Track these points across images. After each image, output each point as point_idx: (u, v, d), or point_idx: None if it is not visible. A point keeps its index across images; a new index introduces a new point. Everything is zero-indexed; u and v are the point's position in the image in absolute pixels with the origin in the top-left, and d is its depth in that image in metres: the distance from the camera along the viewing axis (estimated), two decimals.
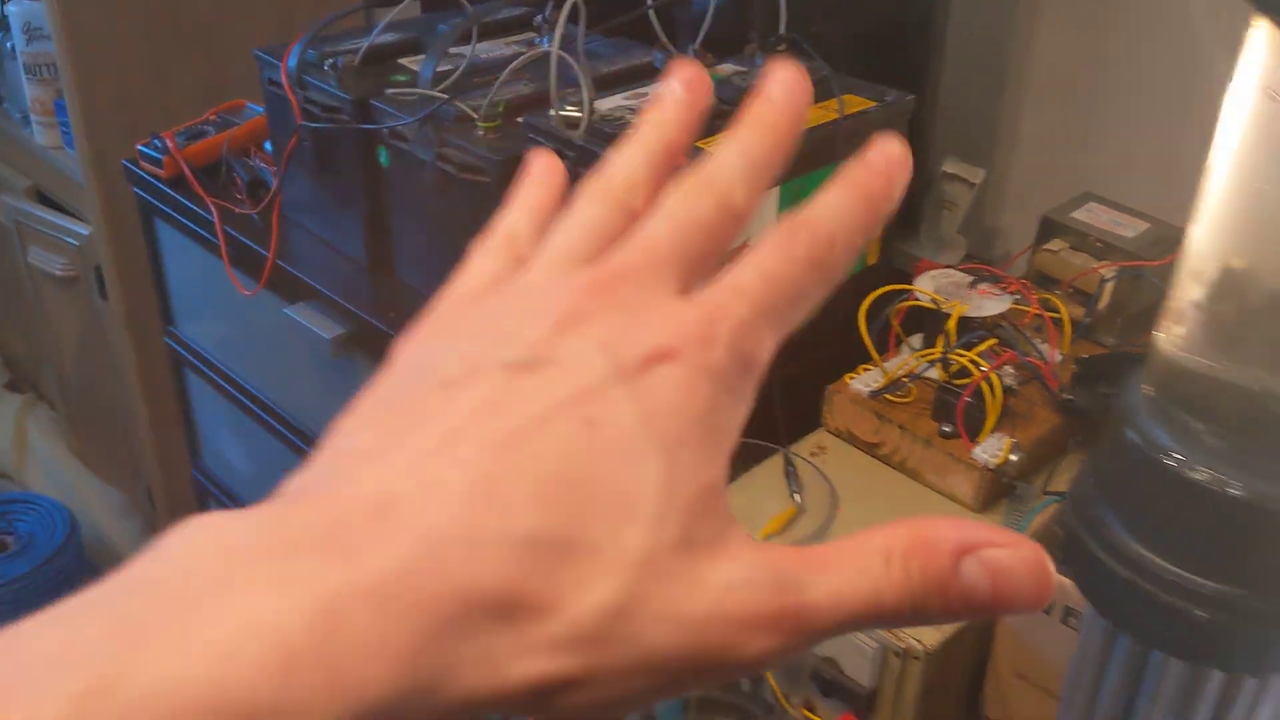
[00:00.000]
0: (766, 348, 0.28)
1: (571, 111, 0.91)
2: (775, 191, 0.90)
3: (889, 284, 0.96)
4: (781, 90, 0.32)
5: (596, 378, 0.26)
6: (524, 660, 0.24)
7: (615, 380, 0.26)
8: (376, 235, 1.13)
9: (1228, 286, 0.47)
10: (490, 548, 0.24)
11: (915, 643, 0.76)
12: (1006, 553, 0.26)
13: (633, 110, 0.91)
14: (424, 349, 0.30)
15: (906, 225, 1.12)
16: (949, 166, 1.10)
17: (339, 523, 0.24)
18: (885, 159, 0.31)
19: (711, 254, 0.30)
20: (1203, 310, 0.48)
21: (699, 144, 0.36)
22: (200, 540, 0.24)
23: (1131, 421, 0.51)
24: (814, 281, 0.29)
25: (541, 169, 0.36)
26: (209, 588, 0.23)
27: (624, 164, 0.33)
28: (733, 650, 0.25)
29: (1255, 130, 0.44)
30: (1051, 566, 0.27)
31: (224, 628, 0.22)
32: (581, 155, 0.89)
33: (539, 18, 1.16)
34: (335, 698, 0.22)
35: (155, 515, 1.95)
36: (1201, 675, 0.53)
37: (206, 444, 1.58)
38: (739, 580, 0.26)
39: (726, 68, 1.02)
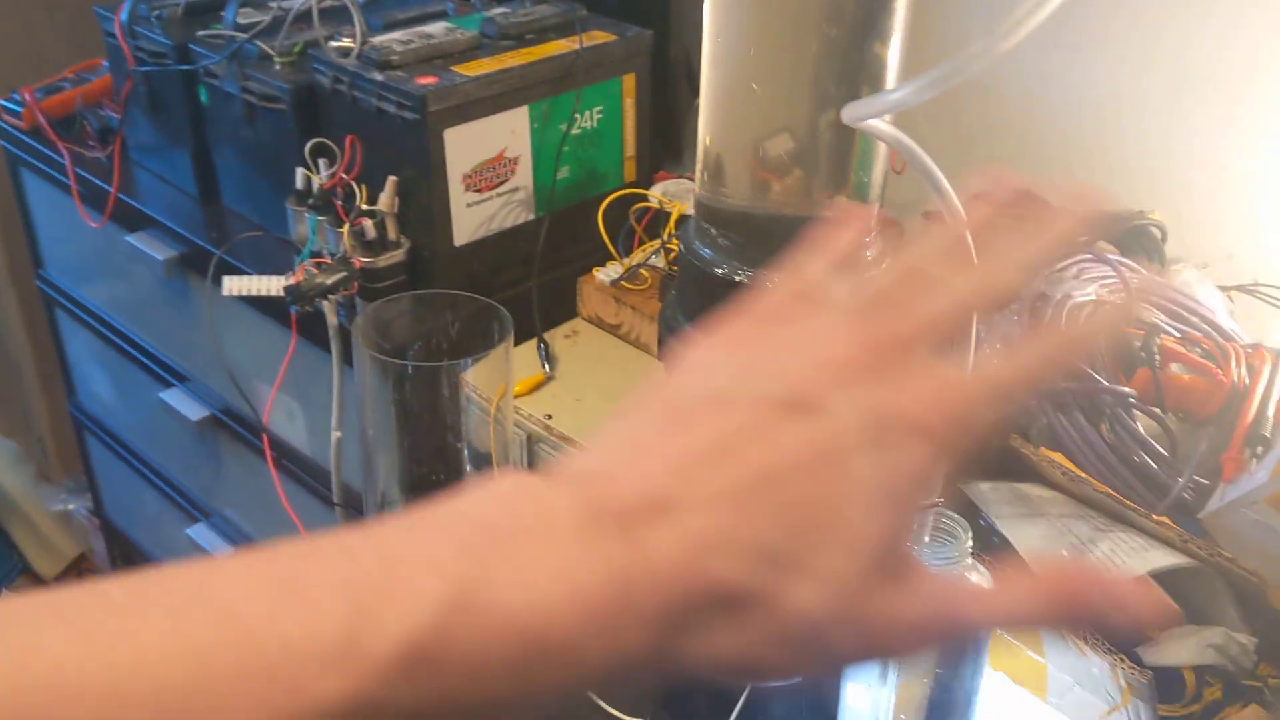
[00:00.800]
0: (991, 432, 0.34)
1: (345, 43, 1.06)
2: (525, 110, 1.06)
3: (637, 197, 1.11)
4: (1069, 208, 0.37)
5: (851, 435, 0.31)
6: (736, 643, 0.30)
7: (867, 441, 0.31)
8: (203, 168, 1.27)
9: (706, 152, 0.63)
10: (737, 553, 0.30)
11: None
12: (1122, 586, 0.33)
13: (402, 43, 1.06)
14: (711, 356, 0.35)
15: (670, 152, 1.28)
16: None
17: (629, 513, 0.30)
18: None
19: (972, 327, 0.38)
20: (701, 168, 0.64)
21: None
22: (523, 498, 0.30)
23: (684, 239, 0.67)
24: (1047, 379, 0.36)
25: (848, 218, 0.41)
26: (536, 539, 0.29)
27: (924, 247, 0.38)
28: (896, 648, 0.33)
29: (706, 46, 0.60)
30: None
31: (547, 575, 0.28)
32: (354, 79, 1.04)
33: None
34: (610, 647, 0.29)
35: (47, 463, 2.07)
36: None
37: (80, 381, 1.70)
38: (913, 597, 0.32)
39: (496, 10, 1.16)
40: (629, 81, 1.14)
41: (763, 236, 0.63)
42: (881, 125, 0.55)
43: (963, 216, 0.56)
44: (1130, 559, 0.71)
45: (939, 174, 0.56)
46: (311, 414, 1.22)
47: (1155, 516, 0.74)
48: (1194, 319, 0.92)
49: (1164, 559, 0.71)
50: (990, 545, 0.77)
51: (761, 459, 0.31)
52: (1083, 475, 0.78)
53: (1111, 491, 0.77)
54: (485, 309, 0.84)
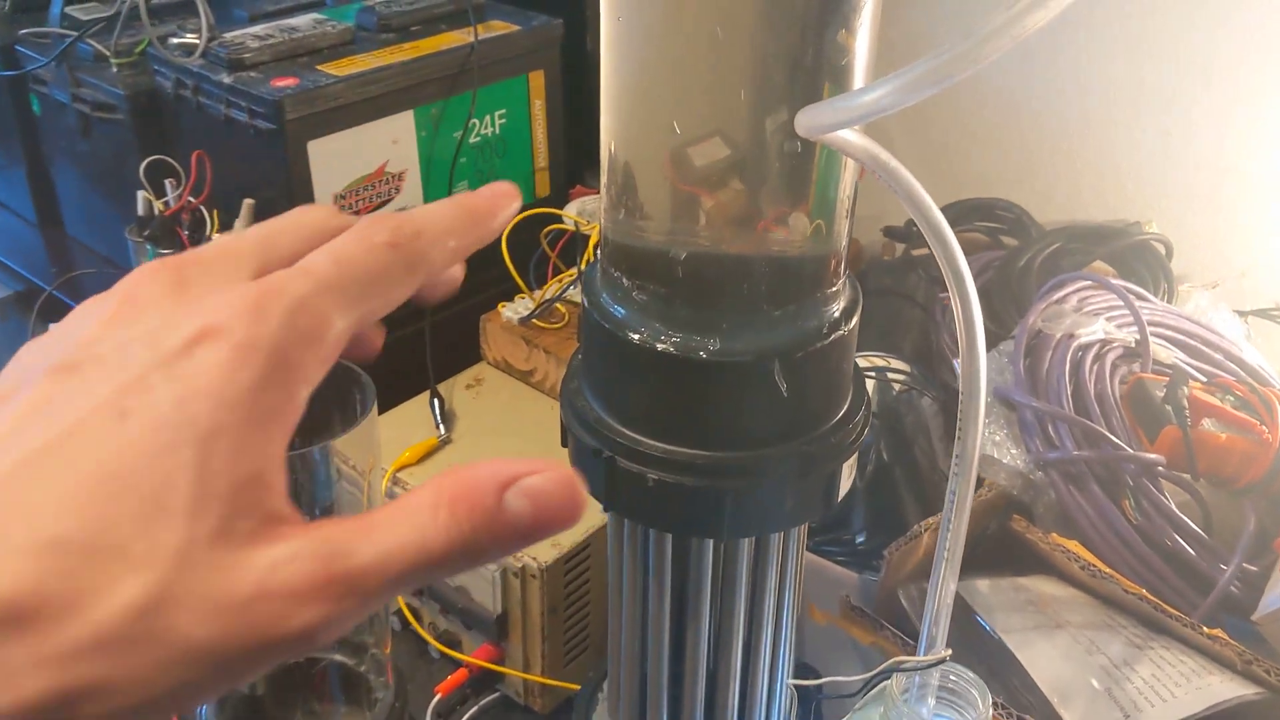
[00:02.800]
0: (333, 324, 0.28)
1: (190, 39, 0.88)
2: (410, 116, 0.88)
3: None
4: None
5: (136, 368, 0.26)
6: (40, 671, 0.23)
7: (154, 368, 0.26)
8: (41, 189, 1.08)
9: (611, 162, 0.46)
10: (6, 556, 0.23)
11: (531, 560, 0.74)
12: (542, 478, 0.27)
13: (258, 38, 0.88)
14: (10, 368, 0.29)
15: (589, 161, 1.10)
16: None
17: None
18: (491, 190, 0.34)
19: (293, 254, 0.30)
20: (606, 186, 0.47)
21: None
22: None
23: (587, 289, 0.50)
24: (393, 265, 0.30)
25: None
26: None
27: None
28: (280, 625, 0.25)
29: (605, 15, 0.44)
30: (581, 483, 0.27)
31: None
32: (198, 82, 0.86)
33: None
34: None
35: None
36: (694, 546, 0.52)
37: None
38: (285, 557, 0.25)
39: None
40: (536, 79, 0.96)
41: (693, 285, 0.46)
42: (850, 137, 0.39)
43: (953, 244, 0.42)
44: (1180, 689, 0.55)
45: (926, 199, 0.40)
46: None
47: (1208, 630, 0.58)
48: (1217, 356, 0.76)
49: (1225, 688, 0.55)
50: (995, 667, 0.60)
51: (35, 439, 0.25)
52: (1105, 570, 0.62)
53: (1144, 592, 0.61)
54: (340, 373, 0.66)
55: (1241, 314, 0.87)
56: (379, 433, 0.69)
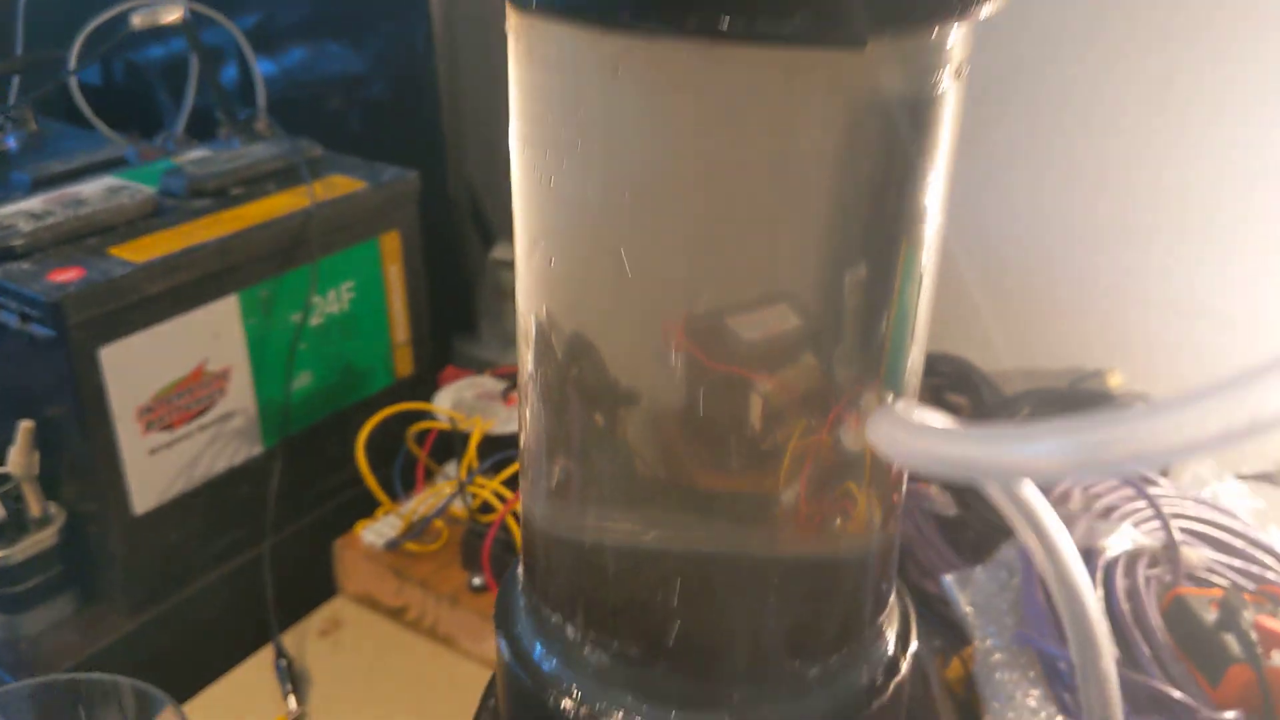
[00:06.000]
0: None
1: None
2: (234, 300, 0.70)
3: (415, 401, 0.77)
4: None
5: None
6: None
7: None
8: None
9: (539, 339, 0.29)
10: None
11: None
12: None
13: (32, 216, 0.69)
14: None
15: (464, 325, 0.94)
16: (500, 253, 0.92)
17: None
18: None
19: None
20: (535, 395, 0.30)
21: None
22: None
23: (504, 618, 0.33)
24: None
25: None
26: None
27: None
28: None
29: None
30: None
31: None
32: None
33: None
34: None
35: None
36: None
37: None
38: None
39: (197, 154, 0.81)
40: (390, 241, 0.80)
41: (683, 630, 0.29)
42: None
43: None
44: None
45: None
46: None
47: None
48: (1257, 552, 0.62)
49: None
50: None
51: None
52: None
53: None
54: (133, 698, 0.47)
55: (1241, 478, 0.75)
56: None
